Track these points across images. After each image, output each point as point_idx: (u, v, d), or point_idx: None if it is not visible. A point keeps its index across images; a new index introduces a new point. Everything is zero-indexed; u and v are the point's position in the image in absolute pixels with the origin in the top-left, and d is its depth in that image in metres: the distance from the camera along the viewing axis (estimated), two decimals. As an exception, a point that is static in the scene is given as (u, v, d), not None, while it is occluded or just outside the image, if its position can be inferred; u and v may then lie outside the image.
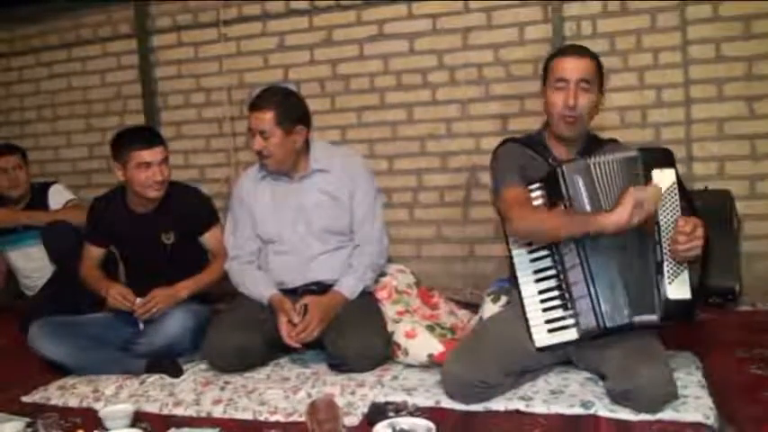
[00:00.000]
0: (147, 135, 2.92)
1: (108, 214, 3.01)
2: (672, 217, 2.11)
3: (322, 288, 2.81)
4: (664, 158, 2.19)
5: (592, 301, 2.16)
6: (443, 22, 3.91)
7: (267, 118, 2.72)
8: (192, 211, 3.02)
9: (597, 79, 2.36)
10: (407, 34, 3.98)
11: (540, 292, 2.28)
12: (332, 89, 4.16)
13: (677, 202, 2.12)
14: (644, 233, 2.13)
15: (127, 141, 2.85)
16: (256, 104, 2.77)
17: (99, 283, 2.95)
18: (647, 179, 2.14)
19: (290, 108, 2.77)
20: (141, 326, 2.84)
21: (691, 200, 2.20)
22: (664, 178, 2.14)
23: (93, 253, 3.07)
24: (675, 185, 2.14)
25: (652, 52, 3.57)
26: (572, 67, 2.33)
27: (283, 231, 2.87)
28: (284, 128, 2.74)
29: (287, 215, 2.87)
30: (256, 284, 2.84)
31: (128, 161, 2.82)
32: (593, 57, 2.39)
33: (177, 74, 4.52)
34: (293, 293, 2.81)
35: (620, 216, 2.02)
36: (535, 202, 2.31)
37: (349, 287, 2.79)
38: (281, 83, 4.01)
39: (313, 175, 2.87)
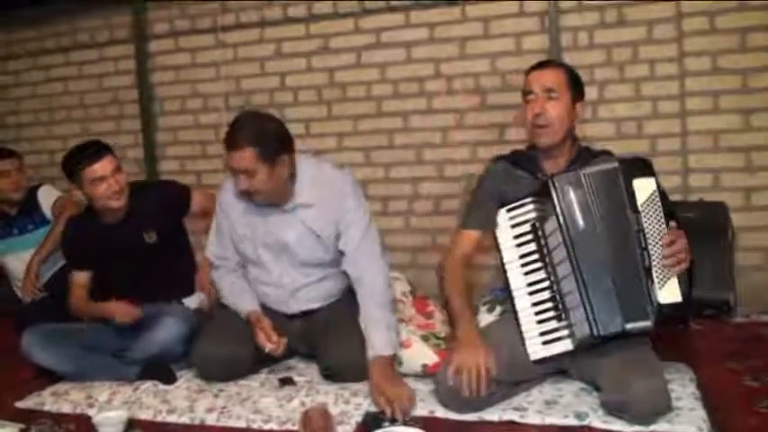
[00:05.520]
0: (93, 150, 2.88)
1: (82, 237, 3.00)
2: (656, 224, 2.14)
3: (312, 312, 2.79)
4: (643, 168, 2.21)
5: (585, 310, 2.16)
6: (440, 31, 3.92)
7: (247, 156, 2.46)
8: (163, 202, 3.01)
9: (566, 88, 2.40)
10: (404, 42, 3.99)
11: (534, 305, 2.28)
12: (329, 97, 4.17)
13: (660, 210, 2.15)
14: (631, 242, 2.15)
15: (75, 161, 2.84)
16: (233, 142, 2.47)
17: (96, 309, 2.93)
18: (629, 189, 2.16)
19: (269, 139, 2.50)
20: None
21: (671, 207, 2.22)
22: (645, 187, 2.16)
23: (81, 278, 3.03)
24: (657, 193, 2.16)
25: (648, 64, 3.58)
26: (536, 79, 2.42)
27: (262, 258, 2.74)
28: (268, 162, 2.49)
29: (265, 244, 2.72)
30: (237, 297, 2.78)
31: (82, 180, 2.83)
32: (560, 66, 2.49)
33: (174, 79, 4.52)
34: (289, 317, 2.79)
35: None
36: (527, 216, 2.32)
37: (383, 344, 2.45)
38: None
39: (295, 210, 2.66)
